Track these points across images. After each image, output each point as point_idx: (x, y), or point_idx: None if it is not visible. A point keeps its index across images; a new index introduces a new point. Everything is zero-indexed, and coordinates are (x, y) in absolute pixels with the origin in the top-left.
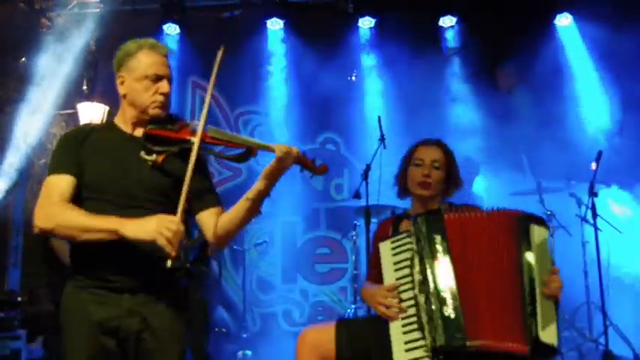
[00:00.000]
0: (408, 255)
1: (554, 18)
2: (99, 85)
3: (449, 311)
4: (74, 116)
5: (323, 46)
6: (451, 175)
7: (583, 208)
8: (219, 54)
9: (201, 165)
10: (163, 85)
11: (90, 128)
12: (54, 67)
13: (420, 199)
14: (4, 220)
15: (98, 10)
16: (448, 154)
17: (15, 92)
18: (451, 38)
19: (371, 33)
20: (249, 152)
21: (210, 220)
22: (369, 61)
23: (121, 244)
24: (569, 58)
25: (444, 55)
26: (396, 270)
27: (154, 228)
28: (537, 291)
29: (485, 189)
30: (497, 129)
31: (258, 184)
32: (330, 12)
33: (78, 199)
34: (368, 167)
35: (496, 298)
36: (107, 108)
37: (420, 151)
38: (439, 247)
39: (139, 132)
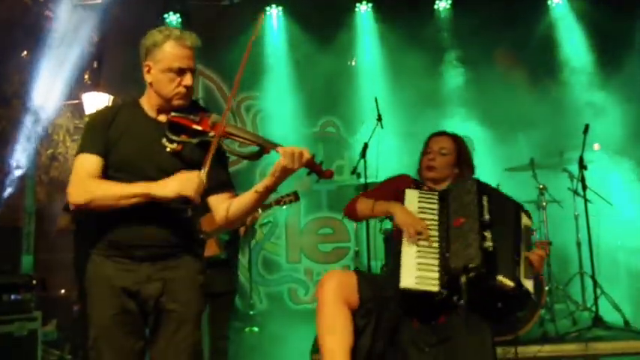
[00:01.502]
0: (434, 206)
1: None
2: (104, 75)
3: (489, 245)
4: (79, 106)
5: (321, 31)
6: (462, 160)
7: (574, 181)
8: (259, 21)
9: (221, 155)
10: (187, 78)
11: (117, 109)
12: (58, 58)
13: (431, 182)
14: (16, 208)
15: (100, 1)
16: (457, 142)
17: (20, 85)
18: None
19: (368, 17)
20: (261, 151)
21: (221, 204)
22: (366, 44)
23: (141, 217)
24: (562, 36)
25: (439, 37)
26: (420, 213)
27: (179, 184)
28: (522, 251)
29: (480, 165)
30: (492, 106)
31: (266, 180)
32: None
33: (102, 177)
34: (366, 146)
35: (507, 247)
36: (112, 97)
37: (430, 142)
38: (485, 204)
39: (162, 117)
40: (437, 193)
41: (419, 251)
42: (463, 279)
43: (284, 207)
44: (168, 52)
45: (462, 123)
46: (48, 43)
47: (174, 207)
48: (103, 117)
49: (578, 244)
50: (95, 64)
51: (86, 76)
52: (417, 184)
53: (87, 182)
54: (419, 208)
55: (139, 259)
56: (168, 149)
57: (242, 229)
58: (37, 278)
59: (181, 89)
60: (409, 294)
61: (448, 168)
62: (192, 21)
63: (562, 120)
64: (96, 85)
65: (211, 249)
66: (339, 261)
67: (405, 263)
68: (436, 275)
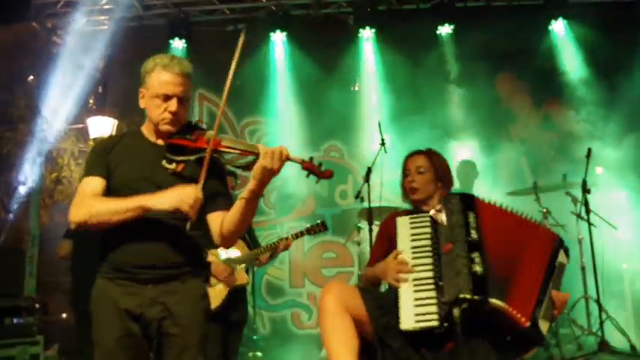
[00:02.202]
0: (427, 230)
1: (549, 23)
2: (109, 100)
3: (477, 269)
4: (84, 131)
5: (325, 56)
6: (440, 174)
7: (578, 205)
8: (241, 38)
9: (217, 169)
10: (172, 104)
11: (119, 137)
12: (64, 83)
13: (419, 204)
14: (20, 231)
15: (106, 27)
16: (432, 158)
17: (26, 109)
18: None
19: (371, 43)
20: (257, 159)
21: (218, 222)
22: (370, 70)
23: (145, 239)
24: (564, 61)
25: (442, 62)
26: (413, 240)
27: (176, 197)
28: (548, 292)
29: (485, 190)
30: (496, 132)
31: (250, 185)
32: (331, 24)
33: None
34: (369, 170)
35: (522, 278)
36: (116, 122)
37: (407, 163)
38: (471, 220)
39: (161, 141)
40: (428, 216)
41: (415, 285)
42: (456, 312)
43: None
44: (155, 78)
45: (465, 147)
46: (55, 68)
47: (172, 224)
48: (104, 144)
49: (583, 268)
50: (100, 89)
51: (91, 101)
52: (408, 212)
53: (84, 202)
54: (412, 235)
55: (143, 281)
56: (169, 170)
57: (266, 257)
58: (39, 302)
59: (166, 115)
60: (412, 333)
61: (429, 185)
62: (197, 46)
63: (564, 144)
64: (101, 110)
65: (242, 277)
66: None
67: (402, 302)
68: (434, 309)
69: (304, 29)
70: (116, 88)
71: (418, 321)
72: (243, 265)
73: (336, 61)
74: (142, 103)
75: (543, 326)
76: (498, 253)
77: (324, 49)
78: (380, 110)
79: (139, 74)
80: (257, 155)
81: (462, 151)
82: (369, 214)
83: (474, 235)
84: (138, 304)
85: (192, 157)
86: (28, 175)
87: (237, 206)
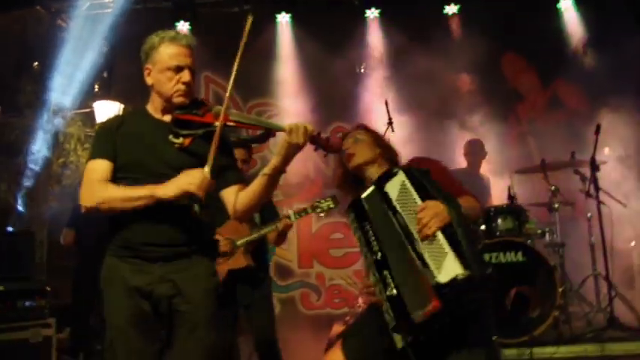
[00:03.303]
0: (360, 243)
1: (557, 1)
2: (114, 84)
3: (391, 291)
4: (90, 115)
5: (331, 38)
6: (377, 142)
7: (586, 182)
8: (248, 21)
9: (225, 144)
10: (184, 75)
11: (123, 117)
12: (69, 67)
13: (360, 173)
14: (29, 217)
15: (111, 10)
16: (368, 129)
17: (32, 95)
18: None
19: (377, 24)
20: (267, 134)
21: (232, 197)
22: (376, 50)
23: (154, 218)
24: (573, 38)
25: (448, 42)
26: (362, 255)
27: (184, 181)
28: (417, 240)
29: (493, 169)
30: (503, 112)
31: (273, 160)
32: (336, 4)
33: (113, 180)
34: None
35: (409, 265)
36: (122, 105)
37: (344, 140)
38: (370, 233)
39: (167, 117)
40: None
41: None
42: (399, 342)
43: (322, 215)
44: (164, 52)
45: (472, 126)
46: (60, 53)
47: (181, 203)
48: (109, 125)
49: (592, 246)
50: (105, 74)
51: (96, 86)
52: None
53: (96, 186)
54: (360, 250)
55: (152, 259)
56: (175, 145)
57: (273, 236)
58: (49, 286)
59: (180, 86)
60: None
61: (368, 149)
62: (202, 29)
63: (572, 121)
64: (106, 95)
65: (239, 261)
66: (352, 266)
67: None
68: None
69: (309, 10)
70: (121, 72)
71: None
72: (242, 249)
73: (342, 42)
74: (148, 80)
75: (448, 270)
76: (395, 252)
77: (330, 30)
78: (386, 90)
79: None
80: (266, 130)
81: (469, 130)
82: None
83: (375, 249)
84: (147, 281)
85: (199, 132)
86: (36, 160)
87: (259, 182)
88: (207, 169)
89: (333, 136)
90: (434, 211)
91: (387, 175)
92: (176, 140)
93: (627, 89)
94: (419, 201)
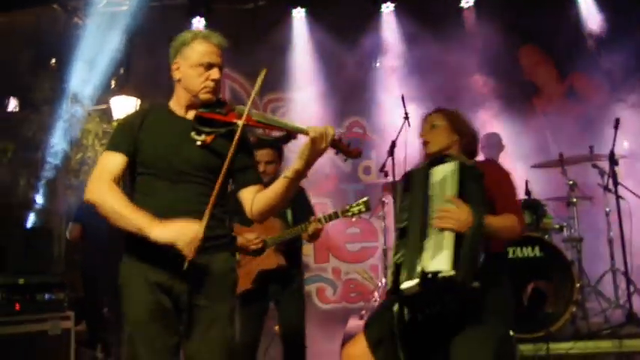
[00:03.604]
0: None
1: None
2: (132, 79)
3: (399, 258)
4: (108, 111)
5: (346, 32)
6: (454, 128)
7: (605, 177)
8: (262, 75)
9: (246, 144)
10: (214, 72)
11: (146, 111)
12: (86, 64)
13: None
14: (47, 211)
15: (127, 7)
16: (445, 112)
17: (50, 91)
18: (472, 19)
19: (392, 17)
20: (288, 135)
21: (250, 197)
22: (391, 44)
23: (172, 214)
24: (592, 30)
25: (465, 35)
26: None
27: (175, 232)
28: (429, 227)
29: (510, 163)
30: (520, 105)
31: (295, 164)
32: None
33: (134, 173)
34: (393, 143)
35: (413, 243)
36: (139, 101)
37: (421, 123)
38: (405, 205)
39: (190, 114)
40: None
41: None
42: (395, 309)
43: (353, 219)
44: (196, 48)
45: (490, 120)
46: (77, 50)
47: (200, 199)
48: (132, 119)
49: (610, 241)
50: (122, 70)
51: (113, 82)
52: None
53: (104, 185)
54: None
55: (172, 255)
56: (197, 142)
57: (305, 236)
58: (67, 279)
59: (209, 83)
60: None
61: (442, 137)
62: (217, 24)
63: (591, 115)
64: (123, 91)
65: (269, 261)
66: (368, 260)
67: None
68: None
69: (324, 5)
70: (138, 68)
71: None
72: (273, 248)
73: (357, 37)
74: (177, 74)
75: (439, 262)
76: (414, 226)
77: (345, 25)
78: (402, 84)
79: (159, 54)
80: (287, 132)
81: (486, 124)
82: (394, 189)
83: (404, 219)
84: (167, 277)
85: (221, 130)
86: (54, 156)
87: (280, 184)
88: (203, 225)
89: (355, 148)
90: (458, 215)
91: (442, 160)
92: (198, 137)
93: None
94: (451, 194)
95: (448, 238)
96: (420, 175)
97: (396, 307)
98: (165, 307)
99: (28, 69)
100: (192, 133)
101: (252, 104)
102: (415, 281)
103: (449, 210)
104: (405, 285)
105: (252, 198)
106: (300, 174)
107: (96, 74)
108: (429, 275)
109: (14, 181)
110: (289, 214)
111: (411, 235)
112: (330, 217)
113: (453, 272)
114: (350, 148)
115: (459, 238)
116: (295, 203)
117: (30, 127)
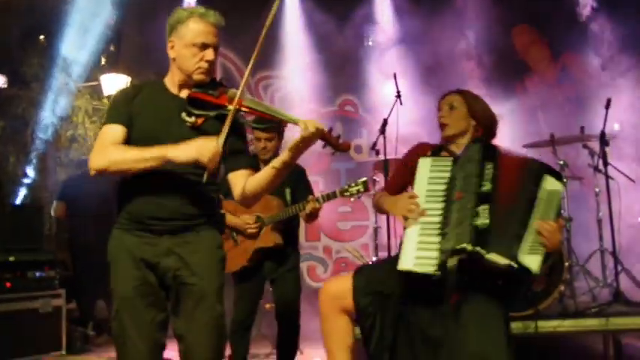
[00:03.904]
0: (445, 175)
1: None
2: (122, 56)
3: (482, 222)
4: (98, 88)
5: (339, 9)
6: (472, 113)
7: (595, 157)
8: (276, 3)
9: (238, 127)
10: (209, 53)
11: (140, 86)
12: (76, 41)
13: (451, 142)
14: (38, 189)
15: None
16: (466, 95)
17: (39, 68)
18: None
19: None
20: (279, 124)
21: (240, 181)
22: (384, 22)
23: (160, 191)
24: (583, 10)
25: (458, 13)
26: (430, 183)
27: (196, 149)
28: (531, 222)
29: (501, 143)
30: (512, 85)
31: (283, 155)
32: None
33: None
34: (385, 122)
35: (508, 220)
36: (130, 79)
37: (440, 103)
38: (488, 171)
39: (184, 93)
40: (451, 159)
41: (422, 228)
42: (450, 262)
43: (351, 199)
44: (191, 27)
45: (484, 99)
46: (66, 26)
47: (188, 177)
48: (125, 93)
49: (599, 221)
50: (112, 47)
51: (103, 59)
52: (435, 150)
53: (108, 148)
54: (430, 178)
55: (159, 232)
56: (188, 123)
57: (303, 215)
58: (58, 257)
59: (203, 64)
60: (410, 276)
61: (460, 121)
62: (209, 1)
63: (583, 95)
64: (113, 68)
65: (266, 239)
66: (359, 239)
67: (406, 243)
68: (435, 255)
69: None
70: (128, 45)
71: (416, 264)
72: (270, 227)
73: (350, 14)
74: (171, 53)
75: (529, 260)
76: (503, 204)
77: (338, 2)
78: (395, 63)
79: (150, 31)
80: (278, 121)
81: None
82: (385, 167)
83: (486, 186)
84: (154, 254)
85: (212, 113)
86: (43, 133)
87: (267, 173)
88: (220, 141)
89: (344, 141)
90: (557, 237)
91: (557, 176)
92: (188, 119)
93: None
94: (554, 212)
95: (543, 248)
96: (534, 170)
97: (453, 262)
98: (151, 283)
99: (17, 44)
100: (183, 114)
101: (245, 87)
102: (506, 261)
103: (554, 230)
104: (494, 257)
105: (243, 182)
106: (288, 165)
107: (86, 50)
108: (517, 265)
109: (4, 157)
110: (288, 193)
111: (509, 217)
112: (329, 197)
113: (537, 273)
114: (339, 142)
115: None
116: (294, 183)
117: (19, 104)
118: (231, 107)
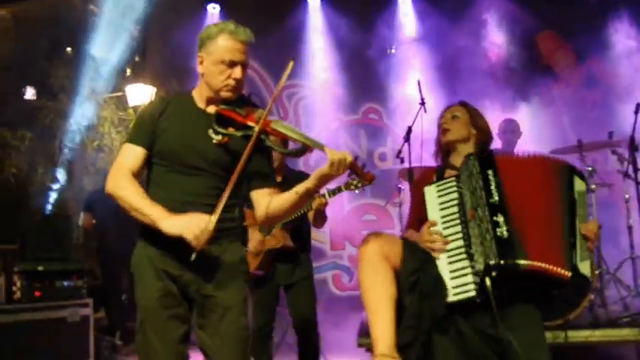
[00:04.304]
0: (454, 196)
1: None
2: (147, 67)
3: (502, 232)
4: (123, 99)
5: (361, 17)
6: (474, 122)
7: (625, 163)
8: (289, 66)
9: (264, 147)
10: (237, 71)
11: (168, 100)
12: (102, 52)
13: (451, 148)
14: (65, 199)
15: None
16: (467, 106)
17: (66, 79)
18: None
19: (409, 2)
20: (304, 149)
21: (263, 200)
22: (407, 30)
23: (183, 204)
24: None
25: (483, 21)
26: (442, 209)
27: (184, 225)
28: (577, 228)
29: (526, 148)
30: (537, 91)
31: (307, 183)
32: None
33: (150, 161)
34: (409, 129)
35: (543, 226)
36: (155, 89)
37: (443, 113)
38: (491, 180)
39: (211, 109)
40: (453, 178)
41: (449, 257)
42: (487, 281)
43: (356, 191)
44: (220, 44)
45: (507, 105)
46: (92, 37)
47: (211, 190)
48: (153, 108)
49: (629, 228)
50: (137, 58)
51: (129, 70)
52: (437, 173)
53: (122, 178)
54: (440, 204)
55: (182, 244)
56: (214, 141)
57: (311, 215)
58: (86, 266)
59: (230, 81)
60: (455, 306)
61: (462, 128)
62: (231, 11)
63: (610, 100)
64: (138, 78)
65: (275, 240)
66: None
67: (441, 272)
68: (470, 279)
69: None
70: (153, 55)
71: (456, 294)
72: (279, 228)
73: (373, 23)
74: (200, 69)
75: (584, 268)
76: (523, 207)
77: (361, 11)
78: (419, 70)
79: (175, 41)
80: (303, 145)
81: (503, 110)
82: (410, 175)
83: (494, 196)
84: (177, 266)
85: (238, 134)
86: (71, 143)
87: (290, 198)
88: (213, 219)
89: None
90: (596, 233)
91: (580, 175)
92: (214, 137)
93: None
94: (584, 211)
95: (587, 250)
96: (565, 173)
97: (488, 281)
98: (173, 294)
99: (45, 57)
100: (210, 131)
101: (272, 108)
102: (563, 270)
103: (597, 232)
104: (532, 262)
105: (266, 201)
106: (311, 193)
107: (111, 61)
108: (580, 275)
109: (32, 168)
110: None
111: (558, 226)
112: (334, 192)
113: (590, 279)
114: (364, 173)
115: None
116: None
117: (47, 115)
118: (256, 128)
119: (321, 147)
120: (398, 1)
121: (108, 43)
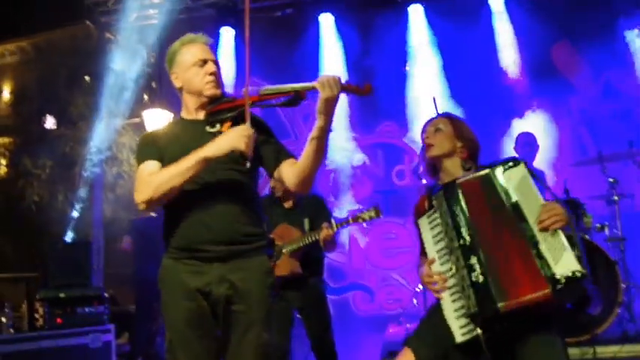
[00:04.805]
0: (441, 228)
1: None
2: (164, 92)
3: (477, 276)
4: (141, 124)
5: (374, 35)
6: (458, 134)
7: None
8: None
9: (261, 125)
10: (209, 66)
11: (157, 130)
12: (119, 79)
13: (437, 163)
14: (85, 226)
15: (156, 21)
16: (450, 118)
17: (84, 107)
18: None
19: (420, 18)
20: (297, 96)
21: (289, 170)
22: (420, 45)
23: (208, 218)
24: (624, 26)
25: (497, 34)
26: (435, 243)
27: (229, 138)
28: (535, 231)
29: (547, 163)
30: (554, 104)
31: (317, 121)
32: (378, 1)
33: None
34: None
35: (508, 253)
36: (172, 115)
37: (425, 127)
38: (459, 217)
39: (201, 115)
40: (437, 214)
41: (450, 294)
42: (479, 333)
43: (364, 225)
44: (186, 52)
45: (524, 120)
46: (109, 65)
47: (233, 201)
48: (150, 135)
49: None
50: (154, 84)
51: (145, 96)
52: (430, 193)
53: (147, 178)
54: (433, 237)
55: (209, 259)
56: (214, 133)
57: (322, 242)
58: (107, 292)
59: (209, 77)
60: (466, 345)
61: (446, 142)
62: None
63: (628, 110)
64: (155, 103)
65: (282, 268)
66: (404, 266)
67: (446, 315)
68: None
69: (352, 9)
70: (169, 81)
71: (463, 334)
72: (287, 255)
73: (386, 40)
74: (177, 83)
75: (563, 267)
76: (488, 237)
77: (373, 29)
78: (433, 86)
79: None
80: (295, 93)
81: (521, 123)
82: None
83: (465, 235)
84: (206, 282)
85: (233, 114)
86: (90, 170)
87: (309, 148)
88: (248, 124)
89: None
90: (557, 211)
91: (506, 164)
92: (213, 129)
93: None
94: (539, 197)
95: (562, 238)
96: (486, 184)
97: (466, 335)
98: (202, 313)
99: (64, 86)
100: (207, 128)
101: (249, 79)
102: (543, 291)
103: (553, 208)
104: (507, 302)
105: (292, 171)
106: (324, 129)
107: (128, 88)
108: (562, 280)
109: (53, 196)
110: (307, 223)
111: (492, 247)
112: (342, 224)
113: (584, 270)
114: (360, 87)
115: (569, 236)
116: (314, 212)
117: (67, 143)
118: (248, 101)
119: (311, 87)
120: (410, 16)
121: (125, 70)
